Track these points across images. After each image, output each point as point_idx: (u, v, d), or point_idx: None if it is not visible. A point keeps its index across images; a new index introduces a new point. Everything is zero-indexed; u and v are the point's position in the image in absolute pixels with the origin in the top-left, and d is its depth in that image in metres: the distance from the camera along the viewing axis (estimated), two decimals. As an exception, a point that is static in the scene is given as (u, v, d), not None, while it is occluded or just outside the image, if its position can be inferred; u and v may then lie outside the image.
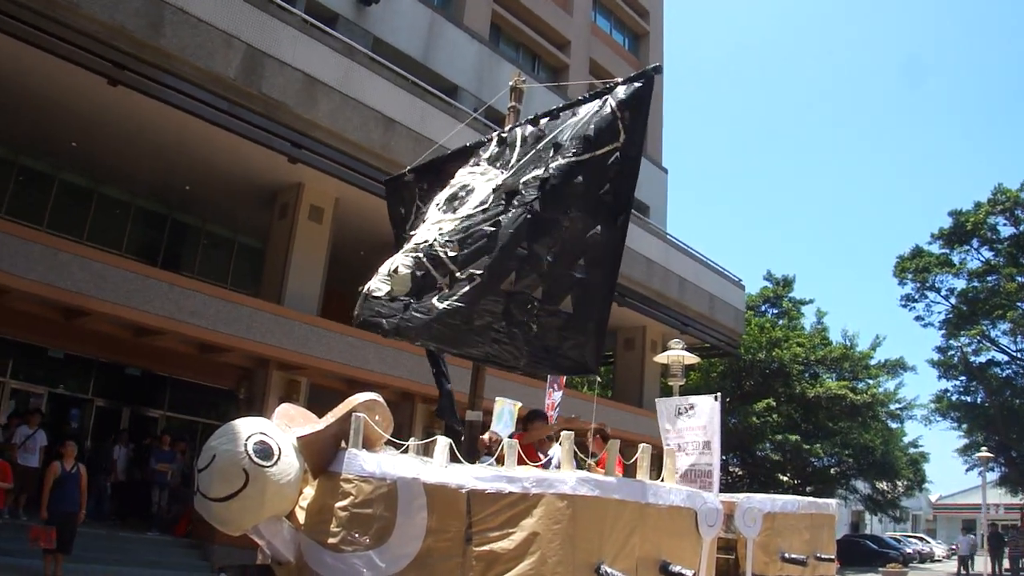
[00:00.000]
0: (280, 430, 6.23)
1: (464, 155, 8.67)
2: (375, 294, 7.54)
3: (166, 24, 17.96)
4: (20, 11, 16.28)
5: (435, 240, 7.35)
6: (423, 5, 29.83)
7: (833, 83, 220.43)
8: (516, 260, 6.90)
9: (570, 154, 6.94)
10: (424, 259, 7.27)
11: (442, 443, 6.16)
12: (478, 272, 6.92)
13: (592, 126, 6.92)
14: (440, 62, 29.93)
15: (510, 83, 9.01)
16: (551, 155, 7.09)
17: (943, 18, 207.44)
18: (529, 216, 6.86)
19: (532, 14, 37.50)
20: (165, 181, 24.24)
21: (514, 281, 6.95)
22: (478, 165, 8.01)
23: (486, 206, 7.31)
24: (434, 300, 7.04)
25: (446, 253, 7.16)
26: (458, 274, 7.01)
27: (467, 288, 6.93)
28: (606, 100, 7.03)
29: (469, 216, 7.40)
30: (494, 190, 7.41)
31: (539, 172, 7.04)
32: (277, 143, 20.12)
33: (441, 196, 8.15)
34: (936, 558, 61.61)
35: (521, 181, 7.11)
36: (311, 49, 20.79)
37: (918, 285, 50.50)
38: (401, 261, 7.44)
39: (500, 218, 6.99)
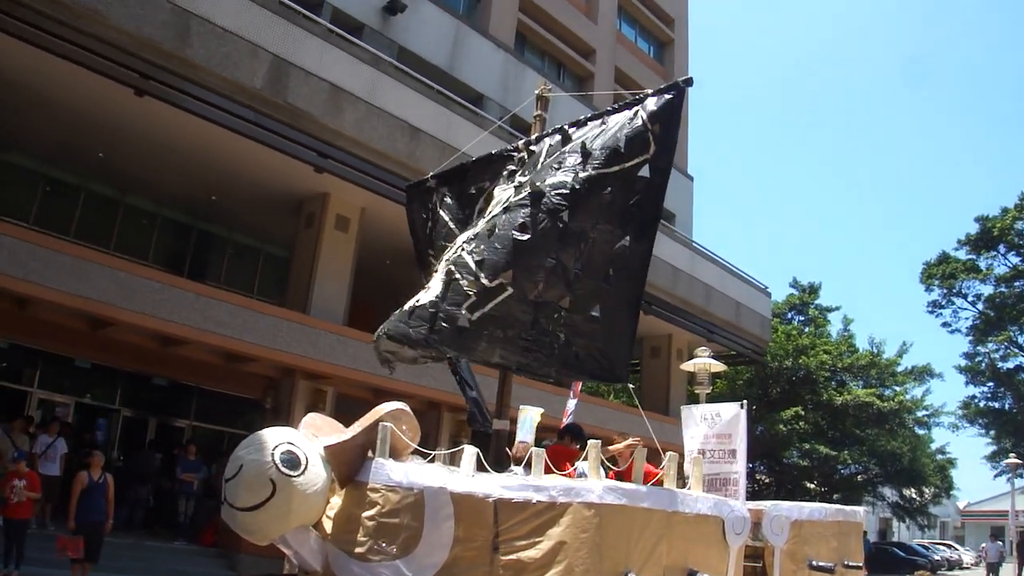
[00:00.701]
0: (307, 440, 6.24)
1: (489, 163, 8.67)
2: (405, 307, 7.53)
3: (192, 35, 18.04)
4: (47, 23, 16.38)
5: (460, 247, 7.37)
6: (448, 14, 29.88)
7: (859, 89, 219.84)
8: (544, 271, 6.94)
9: (598, 163, 6.96)
10: (454, 267, 7.27)
11: (469, 452, 6.16)
12: (507, 282, 6.94)
13: (622, 138, 6.93)
14: (465, 71, 29.95)
15: (536, 92, 9.01)
16: (578, 161, 7.10)
17: (968, 20, 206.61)
18: (559, 226, 6.88)
19: (557, 22, 37.47)
20: (191, 191, 24.32)
21: (542, 291, 6.98)
22: (511, 180, 8.00)
23: (507, 204, 7.31)
24: (463, 310, 7.04)
25: (473, 258, 7.16)
26: (484, 281, 7.02)
27: (497, 299, 6.96)
28: (637, 111, 7.03)
29: (493, 216, 7.42)
30: (516, 187, 7.43)
31: (566, 178, 7.05)
32: (303, 153, 20.17)
33: (477, 217, 8.14)
34: (964, 565, 61.26)
35: (547, 183, 7.12)
36: (336, 59, 20.85)
37: (945, 291, 50.38)
38: (438, 279, 7.45)
39: (526, 222, 7.00)
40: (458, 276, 7.17)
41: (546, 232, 6.97)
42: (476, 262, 7.12)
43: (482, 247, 7.18)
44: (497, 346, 7.21)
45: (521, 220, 7.07)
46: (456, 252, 7.47)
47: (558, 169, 7.22)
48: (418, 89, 23.00)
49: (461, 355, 7.65)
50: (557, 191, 7.04)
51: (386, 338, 7.57)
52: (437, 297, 7.23)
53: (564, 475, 6.80)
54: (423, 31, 28.62)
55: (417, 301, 7.51)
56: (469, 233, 7.67)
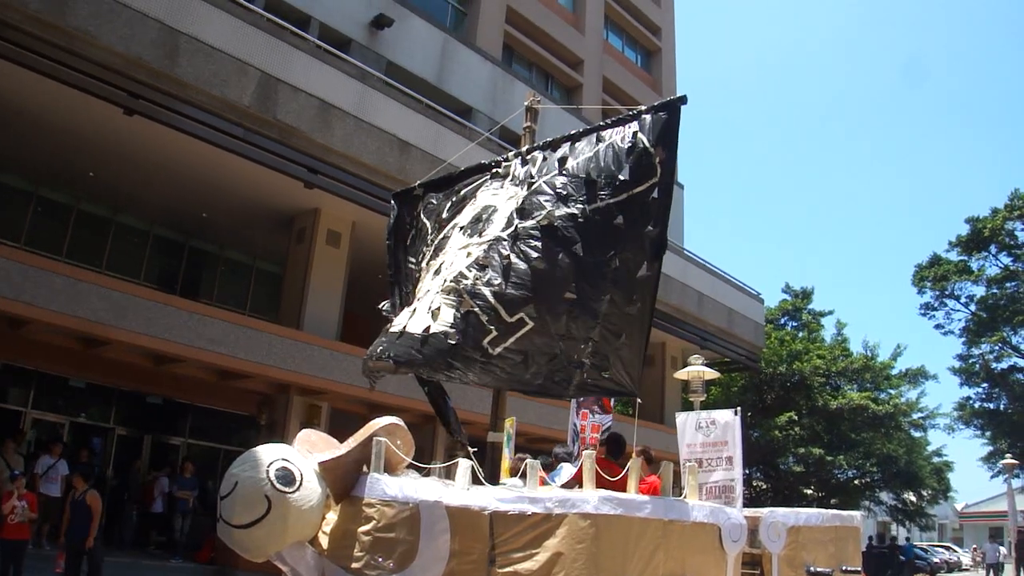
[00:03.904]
0: (302, 456, 6.24)
1: (477, 171, 8.68)
2: (411, 330, 7.48)
3: (181, 53, 18.05)
4: (38, 44, 16.39)
5: (475, 277, 7.30)
6: (436, 28, 29.86)
7: (846, 94, 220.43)
8: (565, 304, 6.99)
9: (605, 194, 7.00)
10: (467, 297, 7.24)
11: (464, 466, 6.17)
12: (530, 317, 7.02)
13: (626, 165, 6.98)
14: (454, 84, 29.94)
15: (525, 103, 9.01)
16: (583, 192, 7.14)
17: (954, 24, 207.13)
18: (575, 259, 6.94)
19: (544, 34, 37.53)
20: (182, 208, 24.32)
21: (566, 325, 7.03)
22: (502, 188, 8.00)
23: (516, 230, 7.32)
24: (486, 343, 7.07)
25: (490, 291, 7.15)
26: (504, 316, 7.04)
27: (518, 334, 7.04)
28: (635, 132, 7.07)
29: (498, 240, 7.41)
30: (517, 210, 7.43)
31: (575, 210, 7.13)
32: (293, 168, 20.16)
33: (464, 217, 8.13)
34: (964, 567, 61.25)
35: (556, 215, 7.15)
36: (325, 74, 20.85)
37: (937, 293, 50.36)
38: (442, 300, 7.39)
39: (541, 256, 7.08)
40: (476, 310, 7.11)
41: (562, 265, 7.02)
42: (495, 295, 7.09)
43: (499, 280, 7.13)
44: (518, 375, 7.25)
45: (536, 254, 7.10)
46: (465, 276, 7.39)
47: (565, 199, 7.24)
48: (407, 103, 23.01)
49: (479, 382, 7.64)
50: (567, 223, 7.09)
51: (392, 363, 7.52)
52: (452, 328, 7.16)
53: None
54: (411, 45, 28.63)
55: (417, 326, 7.45)
56: (470, 249, 7.61)
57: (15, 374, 22.08)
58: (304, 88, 20.15)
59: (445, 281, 7.50)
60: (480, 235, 7.60)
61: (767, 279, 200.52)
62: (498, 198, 7.86)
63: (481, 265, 7.32)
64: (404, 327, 7.48)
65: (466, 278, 7.32)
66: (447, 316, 7.24)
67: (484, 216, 7.74)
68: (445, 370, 7.26)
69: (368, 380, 8.04)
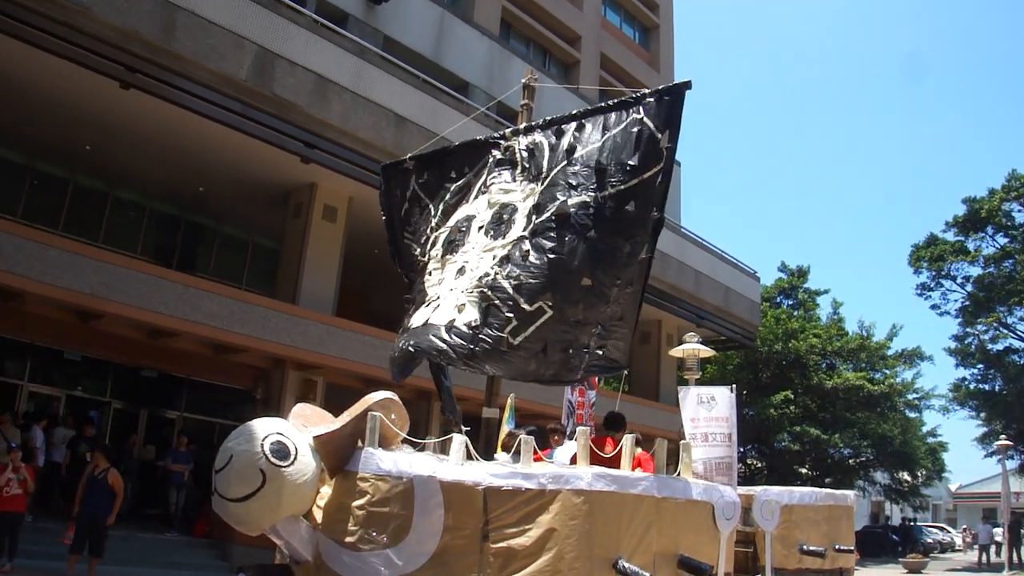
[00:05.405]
0: (296, 430, 6.25)
1: (473, 148, 8.67)
2: (434, 322, 7.56)
3: (178, 27, 18.01)
4: (34, 17, 16.35)
5: (495, 272, 7.38)
6: (433, 3, 29.71)
7: (846, 72, 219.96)
8: (582, 291, 7.11)
9: (617, 180, 7.07)
10: (488, 292, 7.34)
11: (458, 441, 6.17)
12: (548, 305, 7.13)
13: (635, 151, 7.04)
14: (451, 59, 29.86)
15: (522, 81, 9.00)
16: (594, 180, 7.24)
17: (952, 3, 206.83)
18: (589, 245, 7.06)
19: (542, 9, 37.43)
20: (179, 183, 24.29)
21: (582, 312, 7.10)
22: (514, 182, 8.01)
23: (534, 226, 7.41)
24: (507, 333, 7.15)
25: (510, 283, 7.24)
26: (524, 306, 7.14)
27: (537, 323, 7.15)
28: (642, 118, 7.11)
29: (520, 239, 7.49)
30: (534, 207, 7.48)
31: (588, 198, 7.22)
32: (290, 143, 20.16)
33: (479, 210, 8.14)
34: (957, 547, 61.36)
35: (570, 203, 7.22)
36: (322, 49, 20.83)
37: (933, 273, 50.15)
38: (467, 299, 7.45)
39: (556, 245, 7.19)
40: (497, 302, 7.22)
41: (578, 252, 7.12)
42: (513, 287, 7.19)
43: (517, 271, 7.25)
44: (535, 364, 7.34)
45: (551, 244, 7.21)
46: (489, 276, 7.43)
47: (576, 188, 7.34)
48: (404, 78, 22.99)
49: (499, 373, 7.68)
50: (581, 211, 7.19)
51: (413, 352, 7.54)
52: (476, 320, 7.26)
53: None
54: (408, 20, 28.55)
55: (439, 319, 7.52)
56: (495, 252, 7.63)
57: (10, 347, 22.08)
58: (301, 63, 20.13)
59: (471, 282, 7.61)
60: (504, 237, 7.67)
61: (763, 257, 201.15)
62: (514, 195, 7.90)
63: (502, 261, 7.39)
64: (427, 320, 7.57)
65: (488, 276, 7.42)
66: (472, 311, 7.36)
67: (506, 217, 7.78)
68: (467, 359, 7.31)
69: (397, 372, 8.00)
